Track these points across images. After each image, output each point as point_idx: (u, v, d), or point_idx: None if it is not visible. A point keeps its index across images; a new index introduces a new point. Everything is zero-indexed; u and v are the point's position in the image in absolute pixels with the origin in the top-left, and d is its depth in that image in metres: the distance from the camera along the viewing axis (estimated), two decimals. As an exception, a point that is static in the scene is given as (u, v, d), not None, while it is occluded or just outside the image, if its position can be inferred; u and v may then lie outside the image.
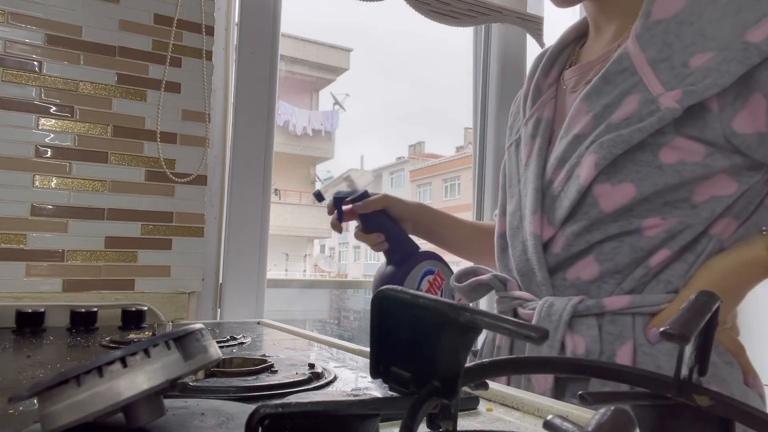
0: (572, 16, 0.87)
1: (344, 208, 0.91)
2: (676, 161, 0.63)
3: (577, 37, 0.85)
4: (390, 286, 0.30)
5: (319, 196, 0.92)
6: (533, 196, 0.72)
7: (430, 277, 0.89)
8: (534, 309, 0.69)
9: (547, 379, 0.65)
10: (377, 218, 0.90)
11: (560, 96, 0.80)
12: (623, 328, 0.64)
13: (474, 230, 1.00)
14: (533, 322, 0.67)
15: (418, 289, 0.88)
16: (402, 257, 0.89)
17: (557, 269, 0.70)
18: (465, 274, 0.82)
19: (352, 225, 0.95)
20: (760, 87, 0.59)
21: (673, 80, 0.62)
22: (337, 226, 0.91)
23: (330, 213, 0.91)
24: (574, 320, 0.65)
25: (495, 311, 0.77)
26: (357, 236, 0.91)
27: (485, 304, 1.52)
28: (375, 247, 0.90)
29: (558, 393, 0.65)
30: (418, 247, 0.91)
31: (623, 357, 0.63)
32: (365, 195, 0.91)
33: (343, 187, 0.93)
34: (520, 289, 0.75)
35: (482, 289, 0.78)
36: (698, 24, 0.62)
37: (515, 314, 0.74)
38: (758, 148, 0.61)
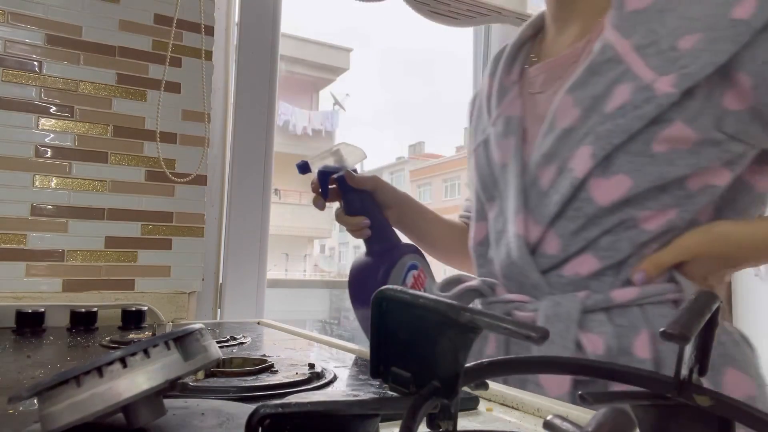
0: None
1: (331, 186, 0.81)
2: (668, 150, 0.62)
3: (534, 33, 0.83)
4: (390, 286, 0.30)
5: (304, 168, 0.78)
6: (516, 197, 0.70)
7: (415, 272, 0.81)
8: (534, 311, 0.67)
9: (561, 385, 0.63)
10: (363, 200, 0.81)
11: (525, 94, 0.78)
12: (633, 319, 0.62)
13: (451, 228, 0.95)
14: (539, 323, 0.65)
15: (403, 284, 0.80)
16: (385, 248, 0.80)
17: (551, 269, 0.68)
18: (449, 283, 0.78)
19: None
20: (742, 66, 0.59)
21: (664, 65, 0.61)
22: (319, 202, 0.81)
23: (314, 189, 0.81)
24: (582, 317, 0.64)
25: None
26: (338, 218, 0.81)
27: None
28: (357, 233, 0.80)
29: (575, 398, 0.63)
30: (399, 239, 0.83)
31: (641, 347, 0.61)
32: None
33: (331, 162, 0.81)
34: (510, 293, 0.72)
35: (469, 296, 0.76)
36: (680, 8, 0.62)
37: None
38: (752, 123, 0.61)
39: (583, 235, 0.66)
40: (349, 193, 0.80)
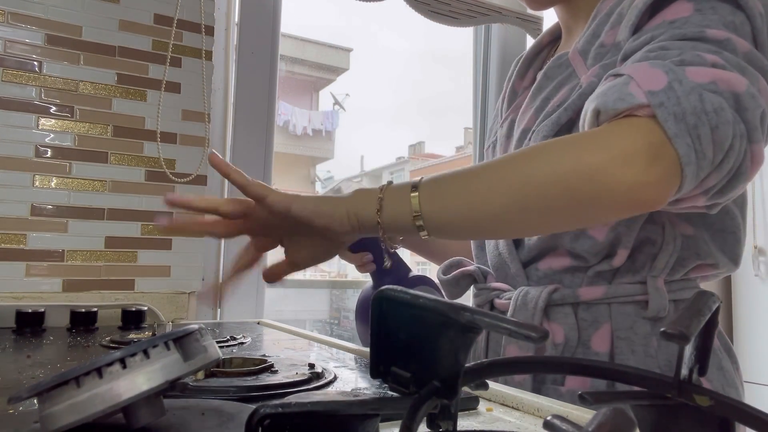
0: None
1: None
2: None
3: (552, 40, 0.86)
4: (390, 287, 0.30)
5: None
6: None
7: None
8: (509, 299, 0.71)
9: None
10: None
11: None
12: (598, 315, 0.65)
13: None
14: (509, 311, 0.69)
15: None
16: (392, 282, 0.72)
17: (531, 261, 0.71)
18: (450, 266, 0.80)
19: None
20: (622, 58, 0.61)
21: (594, 62, 0.65)
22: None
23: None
24: (550, 309, 0.67)
25: (471, 304, 0.77)
26: (341, 255, 0.75)
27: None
28: (361, 268, 0.76)
29: (536, 382, 0.66)
30: (409, 269, 0.80)
31: (598, 341, 0.64)
32: None
33: None
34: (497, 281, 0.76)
35: (465, 282, 0.78)
36: (618, 9, 0.65)
37: (492, 305, 0.75)
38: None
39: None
40: None
